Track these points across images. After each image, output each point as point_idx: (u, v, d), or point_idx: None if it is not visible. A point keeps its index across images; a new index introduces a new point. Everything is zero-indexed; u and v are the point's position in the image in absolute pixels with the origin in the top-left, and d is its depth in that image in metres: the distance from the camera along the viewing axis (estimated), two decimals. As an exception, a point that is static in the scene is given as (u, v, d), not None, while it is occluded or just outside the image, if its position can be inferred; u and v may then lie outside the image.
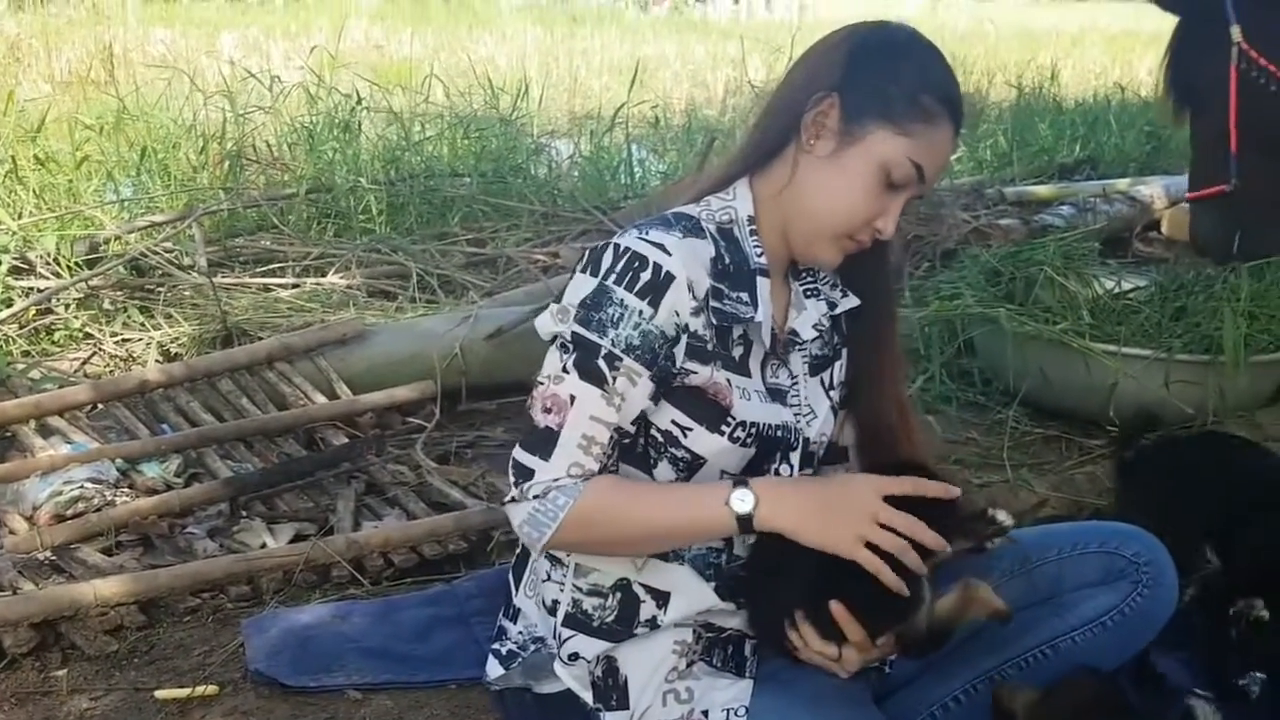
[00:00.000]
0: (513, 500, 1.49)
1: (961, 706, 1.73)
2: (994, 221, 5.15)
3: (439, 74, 7.50)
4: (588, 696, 1.60)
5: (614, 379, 1.46)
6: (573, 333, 1.48)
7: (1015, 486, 2.80)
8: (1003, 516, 1.55)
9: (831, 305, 1.68)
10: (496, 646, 1.73)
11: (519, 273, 4.49)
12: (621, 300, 1.47)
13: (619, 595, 1.58)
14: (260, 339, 3.51)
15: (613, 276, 1.48)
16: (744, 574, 1.59)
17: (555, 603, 1.62)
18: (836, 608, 1.46)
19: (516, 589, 1.73)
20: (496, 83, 7.13)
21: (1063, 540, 1.78)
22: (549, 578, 1.63)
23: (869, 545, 1.45)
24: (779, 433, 1.58)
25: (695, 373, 1.51)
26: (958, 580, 1.57)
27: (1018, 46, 12.39)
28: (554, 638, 1.62)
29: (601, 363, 1.46)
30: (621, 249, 1.50)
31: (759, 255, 1.57)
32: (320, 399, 3.25)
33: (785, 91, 1.60)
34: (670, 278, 1.47)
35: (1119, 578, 1.73)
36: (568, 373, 1.47)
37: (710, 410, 1.53)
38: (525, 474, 1.48)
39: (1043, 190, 5.70)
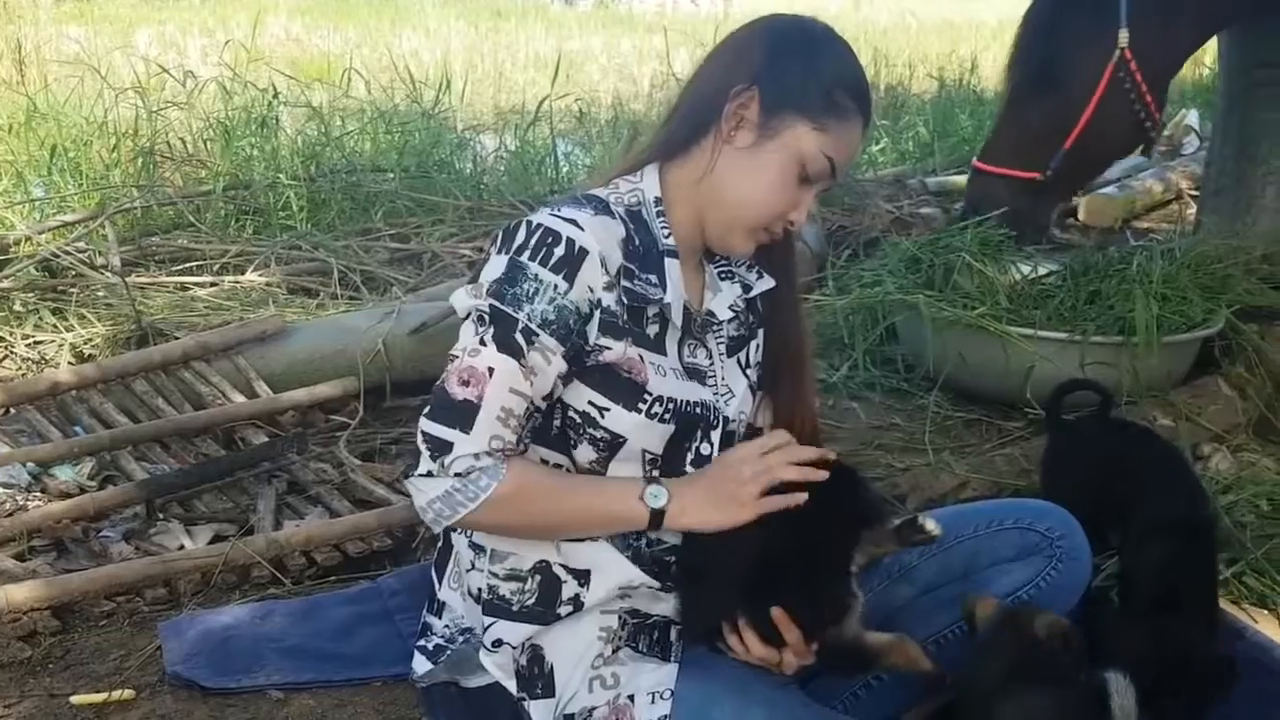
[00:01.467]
0: (428, 474, 1.45)
1: (883, 684, 1.75)
2: (916, 211, 5.23)
3: (360, 69, 7.40)
4: (511, 685, 1.59)
5: (529, 353, 1.45)
6: (490, 305, 1.47)
7: (936, 469, 2.83)
8: (931, 525, 1.62)
9: (746, 288, 1.69)
10: (423, 643, 1.71)
11: (444, 268, 4.45)
12: (536, 275, 1.46)
13: (538, 577, 1.57)
14: (176, 338, 3.43)
15: (526, 252, 1.48)
16: (676, 573, 1.59)
17: (480, 590, 1.61)
18: (777, 613, 1.48)
19: (440, 583, 1.72)
20: (419, 77, 7.05)
21: (979, 518, 1.81)
22: (473, 566, 1.62)
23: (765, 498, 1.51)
24: (698, 410, 1.59)
25: (609, 348, 1.51)
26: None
27: (939, 39, 12.52)
28: (480, 627, 1.61)
29: (519, 336, 1.45)
30: (534, 225, 1.49)
31: (666, 236, 1.58)
32: (239, 398, 3.18)
33: (702, 82, 1.60)
34: (584, 252, 1.47)
35: (1033, 553, 1.76)
36: (485, 345, 1.46)
37: (626, 388, 1.53)
38: (443, 447, 1.44)
39: (963, 180, 5.77)
